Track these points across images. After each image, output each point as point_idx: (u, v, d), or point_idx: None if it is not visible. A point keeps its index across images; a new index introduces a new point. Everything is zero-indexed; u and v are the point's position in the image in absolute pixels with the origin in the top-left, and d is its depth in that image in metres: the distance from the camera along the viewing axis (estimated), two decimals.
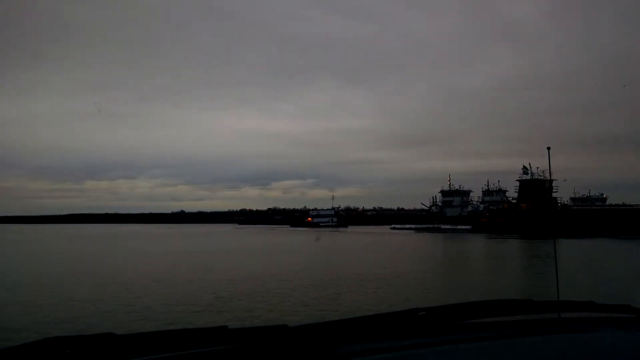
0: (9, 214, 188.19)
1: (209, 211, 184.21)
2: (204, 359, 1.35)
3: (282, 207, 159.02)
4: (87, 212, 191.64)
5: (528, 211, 72.02)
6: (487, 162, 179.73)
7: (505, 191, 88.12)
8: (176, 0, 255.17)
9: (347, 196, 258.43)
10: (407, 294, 18.02)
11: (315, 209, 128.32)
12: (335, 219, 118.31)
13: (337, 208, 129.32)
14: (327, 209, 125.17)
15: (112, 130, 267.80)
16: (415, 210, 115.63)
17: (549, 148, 2.55)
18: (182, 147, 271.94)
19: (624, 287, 16.92)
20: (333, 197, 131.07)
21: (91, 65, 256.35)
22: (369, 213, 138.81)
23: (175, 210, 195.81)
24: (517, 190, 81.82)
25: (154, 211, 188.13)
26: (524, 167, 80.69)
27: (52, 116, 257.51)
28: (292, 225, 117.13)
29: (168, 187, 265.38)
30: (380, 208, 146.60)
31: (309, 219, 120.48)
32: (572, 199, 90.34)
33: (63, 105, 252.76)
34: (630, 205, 76.65)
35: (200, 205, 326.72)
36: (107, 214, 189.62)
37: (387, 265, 27.83)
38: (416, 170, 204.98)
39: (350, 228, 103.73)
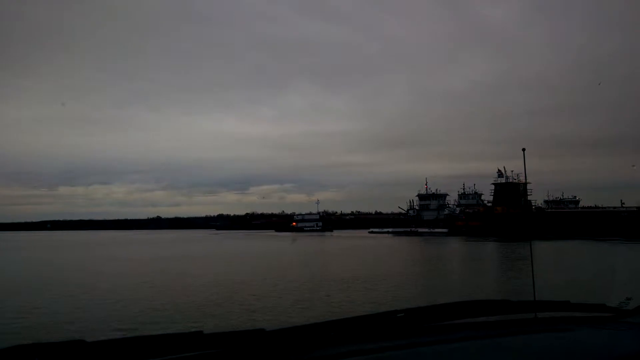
0: None
1: (185, 217, 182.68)
2: None
3: (260, 211, 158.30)
4: (61, 218, 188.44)
5: (503, 214, 73.01)
6: (464, 165, 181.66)
7: (480, 194, 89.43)
8: (153, 4, 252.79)
9: (325, 200, 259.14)
10: (394, 295, 18.30)
11: (295, 213, 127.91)
12: (320, 223, 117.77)
13: (322, 212, 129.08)
14: (311, 214, 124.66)
15: (87, 136, 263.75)
16: (393, 213, 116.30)
17: (524, 149, 2.58)
18: (159, 152, 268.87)
19: (598, 287, 17.21)
20: (318, 202, 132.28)
21: (67, 70, 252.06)
22: (347, 217, 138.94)
23: (152, 216, 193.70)
24: (493, 194, 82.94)
25: (130, 217, 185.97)
26: (499, 170, 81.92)
27: (26, 121, 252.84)
28: (276, 230, 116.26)
29: (145, 192, 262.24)
30: (359, 212, 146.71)
31: (294, 223, 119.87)
32: (545, 201, 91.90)
33: (38, 110, 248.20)
34: (603, 208, 78.12)
35: (177, 210, 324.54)
36: (82, 220, 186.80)
37: (373, 268, 28.50)
38: (394, 173, 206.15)
39: (336, 232, 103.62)
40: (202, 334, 1.36)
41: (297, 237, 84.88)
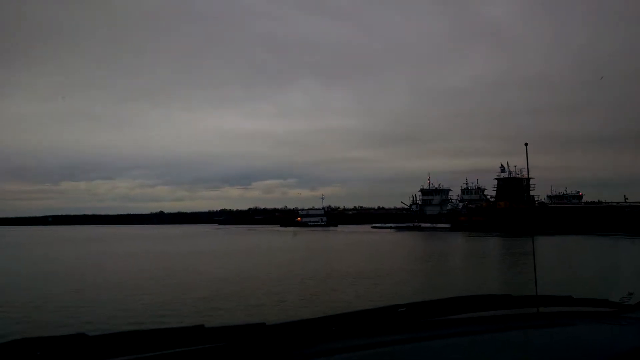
0: None
1: (188, 212, 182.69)
2: (180, 359, 1.32)
3: (262, 206, 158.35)
4: (65, 213, 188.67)
5: (506, 209, 72.87)
6: (466, 161, 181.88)
7: (483, 189, 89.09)
8: (156, 1, 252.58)
9: (328, 195, 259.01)
10: (398, 289, 18.46)
11: (298, 208, 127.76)
12: (325, 219, 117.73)
13: (327, 207, 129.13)
14: (316, 209, 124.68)
15: (90, 131, 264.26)
16: (395, 209, 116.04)
17: (526, 144, 2.55)
18: (161, 148, 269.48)
19: (601, 282, 17.22)
20: (323, 197, 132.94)
21: (70, 65, 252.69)
22: (350, 212, 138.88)
23: (155, 210, 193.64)
24: (495, 189, 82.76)
25: (132, 212, 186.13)
26: (502, 166, 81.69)
27: (30, 117, 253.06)
28: (282, 225, 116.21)
29: (147, 187, 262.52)
30: (361, 207, 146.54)
31: (299, 218, 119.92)
32: (549, 196, 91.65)
33: (41, 105, 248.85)
34: (606, 203, 77.94)
35: (180, 205, 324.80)
36: (85, 215, 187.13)
37: (378, 263, 28.90)
38: (396, 169, 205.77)
39: (340, 227, 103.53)
40: (203, 327, 1.35)
41: (298, 232, 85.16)
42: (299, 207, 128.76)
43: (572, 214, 68.61)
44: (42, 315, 14.23)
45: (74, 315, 14.13)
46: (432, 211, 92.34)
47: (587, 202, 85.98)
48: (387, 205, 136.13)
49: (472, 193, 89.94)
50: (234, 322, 1.79)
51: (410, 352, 1.47)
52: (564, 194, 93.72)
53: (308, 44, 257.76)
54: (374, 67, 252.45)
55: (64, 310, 14.93)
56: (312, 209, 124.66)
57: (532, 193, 78.65)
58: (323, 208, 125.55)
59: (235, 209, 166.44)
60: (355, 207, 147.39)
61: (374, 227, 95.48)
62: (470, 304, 1.84)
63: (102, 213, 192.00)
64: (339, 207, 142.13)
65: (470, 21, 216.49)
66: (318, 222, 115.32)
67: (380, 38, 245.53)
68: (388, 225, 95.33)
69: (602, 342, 1.71)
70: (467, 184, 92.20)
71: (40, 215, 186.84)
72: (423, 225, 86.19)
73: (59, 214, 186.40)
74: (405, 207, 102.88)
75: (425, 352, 1.50)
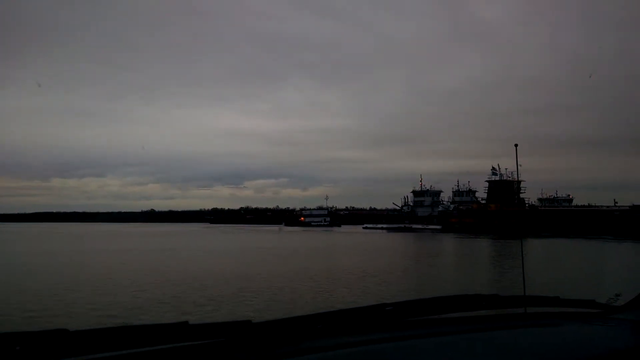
0: None
1: (179, 210, 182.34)
2: (163, 356, 1.29)
3: (254, 206, 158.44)
4: (55, 210, 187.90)
5: (496, 211, 73.19)
6: (459, 162, 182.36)
7: (475, 191, 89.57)
8: None
9: (320, 195, 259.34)
10: (386, 289, 18.53)
11: (306, 209, 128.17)
12: (328, 219, 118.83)
13: (331, 208, 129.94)
14: (319, 209, 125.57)
15: (81, 128, 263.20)
16: (387, 210, 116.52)
17: (516, 145, 2.56)
18: (153, 145, 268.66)
19: (588, 284, 17.36)
20: (327, 197, 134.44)
21: (61, 61, 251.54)
22: (342, 212, 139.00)
23: (145, 209, 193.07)
24: (487, 191, 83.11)
25: (123, 210, 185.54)
26: (493, 168, 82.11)
27: (20, 113, 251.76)
28: (285, 225, 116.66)
29: (138, 185, 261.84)
30: (353, 207, 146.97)
31: (302, 218, 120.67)
32: (539, 199, 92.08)
33: (31, 101, 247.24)
34: (596, 206, 78.44)
35: (171, 204, 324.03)
36: (75, 213, 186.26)
37: (371, 262, 29.61)
38: (389, 170, 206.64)
39: (344, 228, 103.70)
40: (187, 324, 1.32)
41: (282, 229, 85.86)
42: (291, 207, 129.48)
43: (562, 217, 69.02)
44: (31, 312, 14.09)
45: (60, 312, 14.02)
46: (423, 212, 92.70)
47: (577, 206, 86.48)
48: (378, 206, 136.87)
49: (464, 195, 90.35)
50: (218, 319, 1.77)
51: (396, 351, 1.46)
52: (554, 197, 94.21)
53: (303, 42, 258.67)
54: (369, 67, 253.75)
55: (49, 308, 14.83)
56: (316, 209, 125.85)
57: (522, 196, 79.11)
58: (327, 208, 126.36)
59: (226, 208, 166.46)
60: (347, 207, 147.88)
61: (366, 228, 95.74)
62: (457, 304, 1.84)
63: (93, 210, 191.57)
64: (330, 207, 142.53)
65: (465, 22, 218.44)
66: (321, 222, 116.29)
67: (375, 38, 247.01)
68: (380, 226, 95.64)
69: (589, 343, 1.71)
70: (458, 185, 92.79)
71: (30, 212, 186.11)
72: (414, 226, 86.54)
73: (49, 210, 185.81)
74: (397, 208, 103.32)
75: (412, 351, 1.49)
